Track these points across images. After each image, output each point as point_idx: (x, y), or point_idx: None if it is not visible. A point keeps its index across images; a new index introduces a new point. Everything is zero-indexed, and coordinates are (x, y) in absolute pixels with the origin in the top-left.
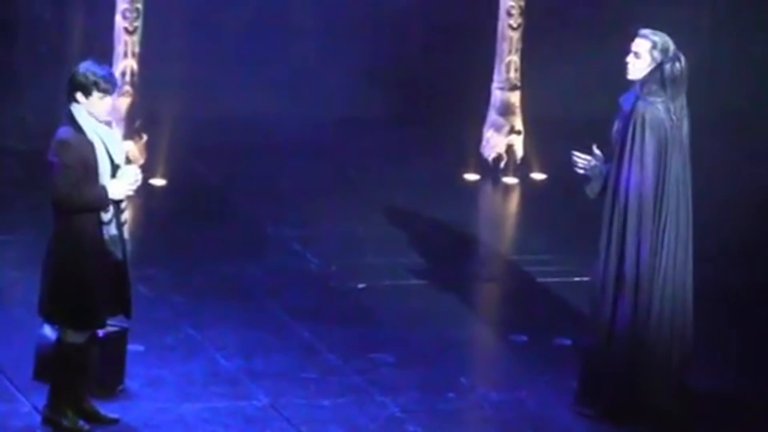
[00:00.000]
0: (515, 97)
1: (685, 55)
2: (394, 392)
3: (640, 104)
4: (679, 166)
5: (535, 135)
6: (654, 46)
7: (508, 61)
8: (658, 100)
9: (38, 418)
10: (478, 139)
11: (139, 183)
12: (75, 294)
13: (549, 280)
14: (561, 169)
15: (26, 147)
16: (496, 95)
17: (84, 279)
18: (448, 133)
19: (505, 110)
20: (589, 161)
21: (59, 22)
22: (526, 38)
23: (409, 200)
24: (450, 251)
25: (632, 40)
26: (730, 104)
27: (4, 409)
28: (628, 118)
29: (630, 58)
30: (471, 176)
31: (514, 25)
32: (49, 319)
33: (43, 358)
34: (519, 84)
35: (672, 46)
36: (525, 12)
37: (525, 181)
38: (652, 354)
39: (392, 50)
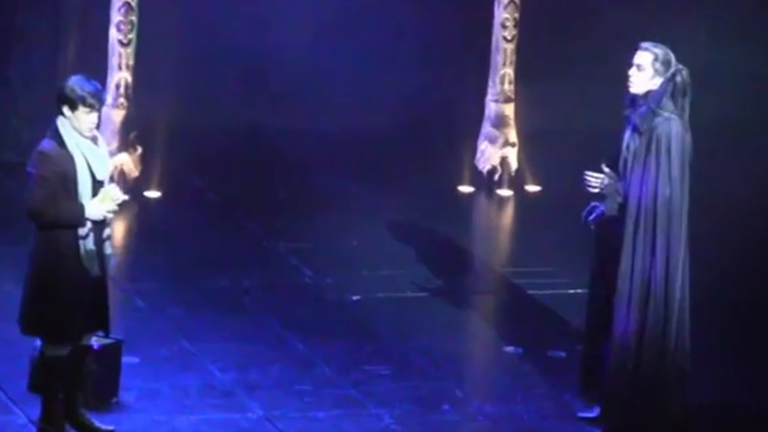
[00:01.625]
0: (509, 110)
1: (683, 65)
2: (389, 404)
3: (660, 120)
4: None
5: (529, 147)
6: (656, 58)
7: (503, 73)
8: (674, 114)
9: (33, 430)
10: (473, 151)
11: (116, 205)
12: (49, 307)
13: (543, 292)
14: (555, 181)
15: (21, 160)
16: (491, 107)
17: (58, 293)
18: (443, 145)
19: (500, 122)
20: (602, 180)
21: (54, 34)
22: (520, 50)
23: (404, 213)
24: (444, 263)
25: (633, 53)
26: (727, 114)
27: (0, 420)
28: (649, 135)
29: (632, 71)
30: (465, 188)
31: (509, 38)
32: (26, 332)
33: (37, 369)
34: (513, 96)
35: (673, 59)
36: (519, 24)
37: (519, 193)
38: (675, 367)
39: (387, 63)
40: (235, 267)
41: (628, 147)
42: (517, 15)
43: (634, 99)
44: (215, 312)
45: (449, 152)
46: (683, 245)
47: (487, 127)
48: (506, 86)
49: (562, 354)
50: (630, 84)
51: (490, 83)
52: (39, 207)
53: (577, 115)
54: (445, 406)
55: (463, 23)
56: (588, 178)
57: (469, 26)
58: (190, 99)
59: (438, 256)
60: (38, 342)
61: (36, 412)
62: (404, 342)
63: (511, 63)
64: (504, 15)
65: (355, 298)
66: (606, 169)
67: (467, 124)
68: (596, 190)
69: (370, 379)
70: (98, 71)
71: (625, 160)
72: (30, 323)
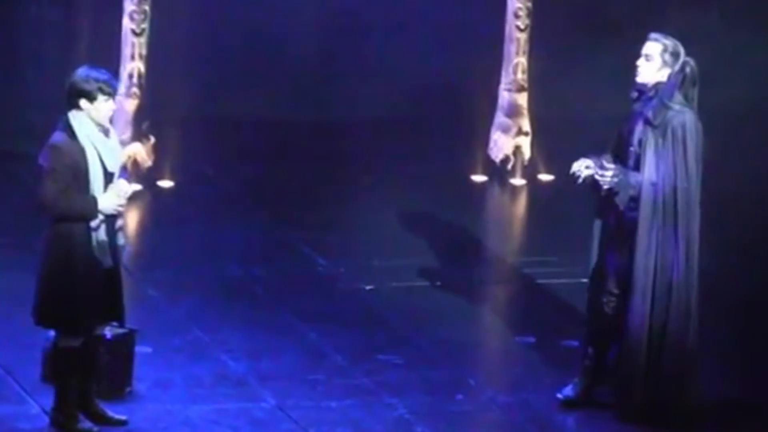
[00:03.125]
0: (522, 99)
1: (695, 56)
2: (402, 394)
3: (673, 113)
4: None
5: (542, 136)
6: (665, 49)
7: (516, 62)
8: (687, 106)
9: (47, 420)
10: (486, 140)
11: (125, 199)
12: (62, 299)
13: (556, 281)
14: (569, 170)
15: (34, 150)
16: (504, 96)
17: (70, 284)
18: (456, 134)
19: (513, 112)
20: (612, 174)
21: (66, 24)
22: (533, 39)
23: (417, 202)
24: (457, 253)
25: (642, 43)
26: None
27: (13, 410)
28: (664, 128)
29: (641, 62)
30: (478, 178)
31: (522, 27)
32: (39, 324)
33: (50, 360)
34: (526, 85)
35: (682, 50)
36: (532, 13)
37: (532, 182)
38: (694, 356)
39: (399, 52)
40: (247, 257)
41: (640, 141)
42: (530, 4)
43: (641, 90)
44: (228, 301)
45: (462, 141)
46: (698, 236)
47: (500, 117)
48: (519, 75)
49: (575, 343)
50: (637, 73)
51: (503, 72)
52: (52, 200)
53: (590, 104)
54: (458, 396)
55: (475, 12)
56: (578, 171)
57: (482, 15)
58: (203, 88)
59: (451, 246)
60: (52, 332)
61: (49, 402)
62: (417, 331)
63: (524, 52)
64: (517, 4)
65: (368, 287)
66: (610, 165)
67: (480, 113)
68: (607, 186)
69: (382, 368)
70: (111, 61)
71: (637, 154)
72: (43, 314)
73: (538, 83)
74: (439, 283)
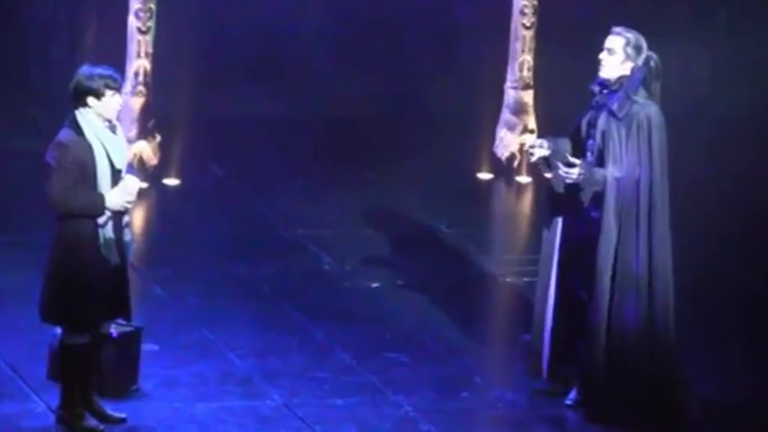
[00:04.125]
0: (528, 96)
1: (700, 53)
2: (408, 392)
3: (638, 107)
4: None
5: (548, 134)
6: (627, 42)
7: (522, 60)
8: (651, 100)
9: (52, 418)
10: (492, 138)
11: (134, 196)
12: (68, 295)
13: None
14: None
15: (39, 148)
16: (510, 94)
17: (77, 280)
18: (462, 132)
19: (519, 109)
20: (577, 171)
21: (72, 22)
22: (539, 37)
23: (423, 200)
24: (463, 250)
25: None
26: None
27: (19, 408)
28: (629, 121)
29: (603, 56)
30: (484, 175)
31: (528, 24)
32: (46, 320)
33: (56, 357)
34: (532, 83)
35: (644, 43)
36: (538, 11)
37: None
38: (677, 354)
39: (405, 50)
40: (254, 255)
41: (603, 133)
42: (536, 2)
43: (604, 83)
44: (234, 299)
45: (468, 139)
46: (668, 231)
47: (506, 114)
48: (525, 73)
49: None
50: (601, 68)
51: (509, 70)
52: (59, 197)
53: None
54: (464, 393)
55: (481, 10)
56: (533, 151)
57: (488, 12)
58: (209, 86)
59: (457, 243)
60: (58, 330)
61: (55, 400)
62: (423, 329)
63: (530, 50)
64: (523, 2)
65: (373, 285)
66: (577, 161)
67: (486, 111)
68: (570, 182)
69: (389, 366)
70: (117, 59)
71: (600, 147)
72: (49, 311)
73: (543, 80)
74: (444, 281)
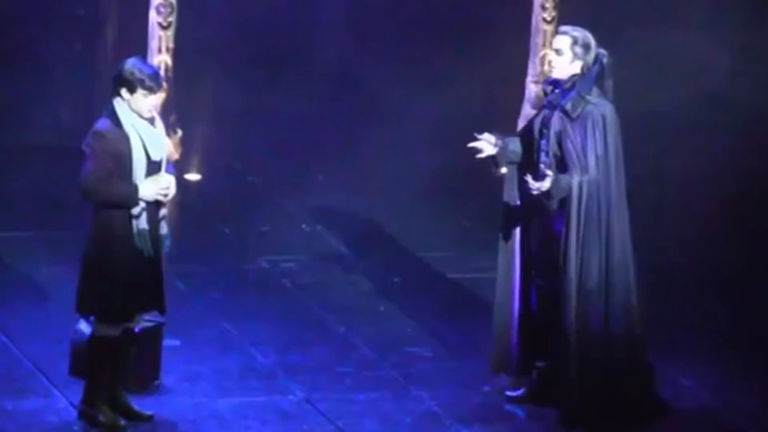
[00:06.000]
0: None
1: (720, 47)
2: (430, 386)
3: (591, 107)
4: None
5: None
6: (575, 41)
7: (542, 54)
8: (605, 99)
9: (74, 414)
10: (513, 132)
11: (171, 193)
12: (102, 285)
13: None
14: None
15: (61, 143)
16: (531, 89)
17: (111, 271)
18: (483, 127)
19: (540, 103)
20: (545, 181)
21: (93, 18)
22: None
23: (444, 194)
24: (486, 244)
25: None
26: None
27: (41, 404)
28: (583, 121)
29: (552, 56)
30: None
31: (548, 19)
32: (80, 310)
33: (79, 353)
34: None
35: (593, 41)
36: (558, 5)
37: None
38: (629, 356)
39: (426, 45)
40: (275, 250)
41: (557, 133)
42: None
43: (557, 81)
44: (256, 294)
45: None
46: (629, 229)
47: (527, 108)
48: (546, 67)
49: None
50: (551, 69)
51: (530, 64)
52: (92, 185)
53: (617, 95)
54: (486, 388)
55: (501, 4)
56: (481, 147)
57: (508, 7)
58: (231, 81)
59: (479, 237)
60: (80, 326)
61: (77, 396)
62: (445, 324)
63: (550, 44)
64: None
65: (395, 279)
66: (548, 172)
67: (507, 105)
68: (537, 192)
69: (411, 361)
70: (138, 54)
71: (554, 148)
72: (84, 302)
73: None
74: (466, 275)
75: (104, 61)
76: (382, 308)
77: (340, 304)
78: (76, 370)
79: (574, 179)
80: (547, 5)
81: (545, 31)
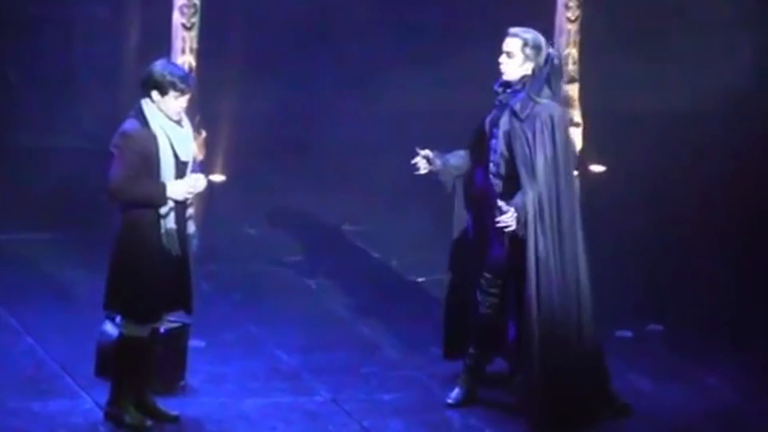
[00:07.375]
0: (573, 90)
1: (741, 44)
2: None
3: (541, 107)
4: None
5: (593, 127)
6: (525, 43)
7: (567, 53)
8: (554, 99)
9: (100, 415)
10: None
11: (201, 186)
12: (130, 285)
13: (609, 270)
14: (620, 161)
15: (83, 145)
16: None
17: (139, 270)
18: None
19: (564, 103)
20: (511, 217)
21: (116, 19)
22: (583, 31)
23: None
24: None
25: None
26: None
27: (67, 405)
28: (532, 122)
29: (503, 59)
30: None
31: (572, 18)
32: (108, 309)
33: (105, 354)
34: (577, 77)
35: (543, 42)
36: (582, 4)
37: (583, 173)
38: (586, 359)
39: (448, 45)
40: (300, 250)
41: (506, 133)
42: None
43: (508, 82)
44: (281, 295)
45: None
46: (580, 230)
47: None
48: (570, 66)
49: (629, 334)
50: (502, 72)
51: None
52: (120, 185)
53: (641, 95)
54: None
55: (525, 3)
56: (419, 165)
57: (531, 7)
58: (255, 82)
59: None
60: (106, 327)
61: (103, 397)
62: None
63: (574, 43)
64: None
65: (420, 279)
66: (507, 208)
67: None
68: (510, 229)
69: (435, 361)
70: (162, 56)
71: (502, 149)
72: (112, 302)
73: (589, 74)
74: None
75: (128, 62)
76: (406, 309)
77: (365, 304)
78: (102, 370)
79: (528, 195)
80: (571, 4)
81: (569, 31)
